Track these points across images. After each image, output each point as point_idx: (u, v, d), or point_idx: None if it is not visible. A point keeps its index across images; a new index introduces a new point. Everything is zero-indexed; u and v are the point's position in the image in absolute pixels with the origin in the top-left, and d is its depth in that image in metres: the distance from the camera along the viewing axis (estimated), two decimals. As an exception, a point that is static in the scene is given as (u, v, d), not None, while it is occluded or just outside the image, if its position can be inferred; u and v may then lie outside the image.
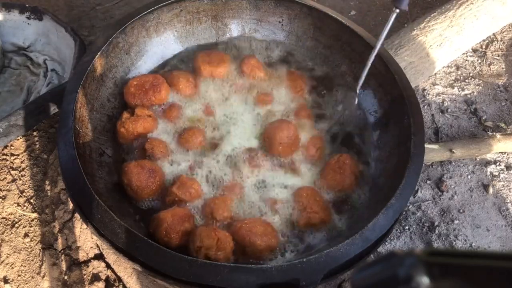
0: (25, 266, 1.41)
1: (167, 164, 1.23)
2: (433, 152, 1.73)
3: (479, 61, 2.20)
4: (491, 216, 1.69)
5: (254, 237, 1.04)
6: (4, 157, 1.61)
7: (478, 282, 0.36)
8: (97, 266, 1.40)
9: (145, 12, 1.36)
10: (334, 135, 1.35)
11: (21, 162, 1.61)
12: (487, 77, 2.14)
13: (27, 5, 1.81)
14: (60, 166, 1.05)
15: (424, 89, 2.06)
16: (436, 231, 1.63)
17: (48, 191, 1.56)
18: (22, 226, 1.49)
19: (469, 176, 1.79)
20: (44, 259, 1.43)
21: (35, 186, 1.57)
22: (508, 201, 1.74)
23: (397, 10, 1.18)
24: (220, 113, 1.35)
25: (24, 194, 1.55)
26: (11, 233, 1.47)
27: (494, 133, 1.86)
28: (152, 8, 1.37)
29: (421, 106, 1.97)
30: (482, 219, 1.68)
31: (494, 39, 2.29)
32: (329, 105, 1.41)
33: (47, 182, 1.57)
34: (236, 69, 1.45)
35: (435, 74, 2.10)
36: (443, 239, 1.62)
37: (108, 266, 1.41)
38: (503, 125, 1.97)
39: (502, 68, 2.18)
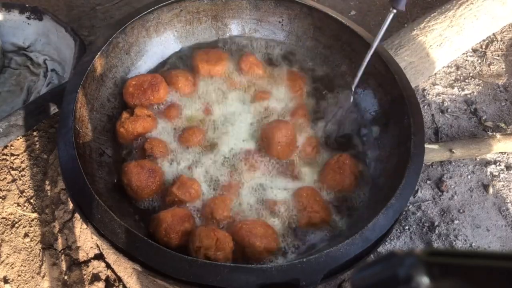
0: (25, 266, 1.41)
1: (167, 164, 1.23)
2: (433, 152, 1.73)
3: (479, 61, 2.20)
4: (491, 216, 1.69)
5: (253, 238, 1.04)
6: (4, 157, 1.61)
7: (478, 282, 0.36)
8: (97, 266, 1.40)
9: (145, 12, 1.36)
10: (333, 135, 1.34)
11: (21, 162, 1.61)
12: (487, 77, 2.14)
13: (27, 5, 1.81)
14: (60, 166, 1.05)
15: (424, 89, 2.06)
16: (436, 231, 1.63)
17: (48, 191, 1.56)
18: (22, 226, 1.49)
19: (469, 176, 1.79)
20: (44, 259, 1.43)
21: (35, 186, 1.57)
22: (508, 201, 1.74)
23: (394, 11, 1.18)
24: (218, 112, 1.35)
25: (24, 194, 1.55)
26: (11, 233, 1.47)
27: (494, 133, 1.86)
28: (152, 8, 1.37)
29: (421, 106, 1.97)
30: (482, 219, 1.68)
31: (494, 39, 2.29)
32: (328, 104, 1.41)
33: (47, 182, 1.57)
34: (235, 67, 1.45)
35: (435, 74, 2.10)
36: (443, 239, 1.62)
37: (108, 266, 1.41)
38: (503, 125, 1.97)
39: (502, 68, 2.18)
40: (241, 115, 1.35)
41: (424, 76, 1.93)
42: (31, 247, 1.45)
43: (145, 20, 1.39)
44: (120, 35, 1.32)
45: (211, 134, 1.30)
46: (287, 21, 1.53)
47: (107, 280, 1.39)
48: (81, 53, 1.61)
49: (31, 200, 1.54)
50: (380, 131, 1.32)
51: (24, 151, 1.63)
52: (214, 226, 1.10)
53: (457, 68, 2.16)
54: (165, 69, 1.47)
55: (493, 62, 2.20)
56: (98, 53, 1.24)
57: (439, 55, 1.85)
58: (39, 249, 1.44)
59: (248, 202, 1.17)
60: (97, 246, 1.44)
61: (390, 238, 1.60)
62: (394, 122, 1.27)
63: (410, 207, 1.69)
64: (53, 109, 1.56)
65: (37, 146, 1.65)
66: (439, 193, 1.74)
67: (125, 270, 1.33)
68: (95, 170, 1.16)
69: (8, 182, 1.56)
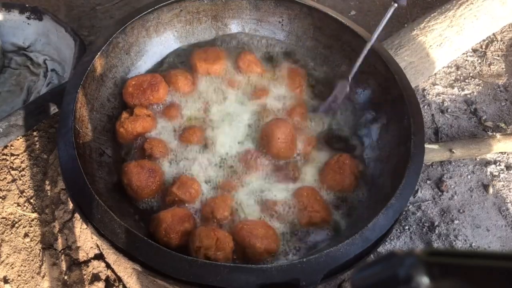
0: (25, 266, 1.41)
1: (167, 163, 1.23)
2: (433, 152, 1.73)
3: (479, 61, 2.20)
4: (491, 216, 1.69)
5: (254, 239, 1.04)
6: (4, 157, 1.61)
7: (478, 282, 0.36)
8: (97, 266, 1.40)
9: (145, 12, 1.36)
10: (333, 134, 1.35)
11: (21, 162, 1.61)
12: (487, 77, 2.14)
13: (27, 5, 1.81)
14: (60, 166, 1.05)
15: (424, 89, 2.06)
16: (436, 231, 1.63)
17: (48, 191, 1.56)
18: (22, 226, 1.49)
19: (469, 176, 1.79)
20: (44, 259, 1.43)
21: (35, 186, 1.57)
22: (508, 201, 1.74)
23: (396, 5, 1.18)
24: (218, 111, 1.35)
25: (24, 194, 1.55)
26: (11, 233, 1.47)
27: (494, 133, 1.86)
28: (152, 8, 1.37)
29: (421, 106, 1.97)
30: (482, 219, 1.68)
31: (494, 39, 2.29)
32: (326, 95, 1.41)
33: (47, 182, 1.57)
34: (233, 65, 1.45)
35: (435, 74, 2.10)
36: (443, 239, 1.62)
37: (108, 266, 1.41)
38: (503, 125, 1.97)
39: (502, 68, 2.18)
40: (240, 113, 1.35)
41: (424, 76, 1.93)
42: (31, 247, 1.45)
43: (145, 20, 1.39)
44: (120, 35, 1.32)
45: (210, 134, 1.30)
46: (287, 21, 1.53)
47: (107, 280, 1.39)
48: (81, 53, 1.61)
49: (31, 200, 1.54)
50: (380, 131, 1.32)
51: (24, 151, 1.63)
52: (215, 226, 1.10)
53: (457, 68, 2.16)
54: (164, 68, 1.47)
55: (493, 62, 2.20)
56: (98, 53, 1.24)
57: (439, 55, 1.85)
58: (39, 249, 1.44)
59: (248, 202, 1.17)
60: (97, 246, 1.44)
61: (390, 238, 1.60)
62: (394, 122, 1.27)
63: (410, 207, 1.69)
64: (53, 109, 1.56)
65: (37, 146, 1.65)
66: (439, 193, 1.74)
67: (125, 270, 1.33)
68: (95, 170, 1.16)
69: (8, 182, 1.56)
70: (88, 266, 1.40)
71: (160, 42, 1.47)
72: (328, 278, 0.93)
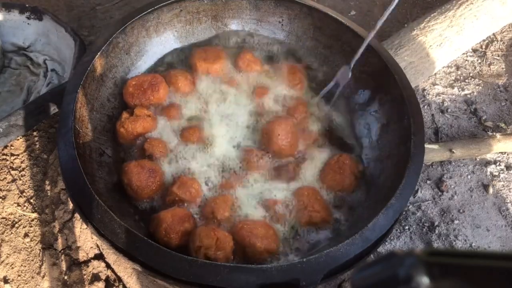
0: (25, 266, 1.42)
1: (167, 163, 1.23)
2: (433, 152, 1.73)
3: (479, 61, 2.20)
4: (491, 216, 1.69)
5: (254, 238, 1.04)
6: (4, 157, 1.61)
7: (478, 282, 0.36)
8: (97, 266, 1.40)
9: (145, 12, 1.36)
10: (333, 134, 1.35)
11: (21, 162, 1.61)
12: (487, 77, 2.14)
13: (27, 5, 1.81)
14: (60, 166, 1.05)
15: (424, 89, 2.06)
16: (436, 231, 1.63)
17: (48, 191, 1.56)
18: (22, 226, 1.49)
19: (469, 176, 1.79)
20: (44, 259, 1.43)
21: (35, 186, 1.57)
22: (508, 201, 1.74)
23: None
24: (218, 110, 1.35)
25: (24, 194, 1.55)
26: (11, 233, 1.47)
27: (494, 133, 1.86)
28: (152, 8, 1.37)
29: (421, 106, 1.97)
30: (482, 219, 1.68)
31: (494, 39, 2.29)
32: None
33: (47, 182, 1.57)
34: (233, 64, 1.45)
35: (435, 74, 2.10)
36: (443, 239, 1.62)
37: (108, 266, 1.41)
38: (503, 125, 1.97)
39: (502, 68, 2.18)
40: (241, 113, 1.35)
41: (424, 76, 1.93)
42: (31, 247, 1.45)
43: (145, 20, 1.39)
44: (120, 35, 1.32)
45: (211, 133, 1.30)
46: (287, 21, 1.53)
47: (107, 280, 1.39)
48: (81, 53, 1.61)
49: (31, 200, 1.54)
50: (380, 131, 1.32)
51: (24, 151, 1.63)
52: (215, 226, 1.10)
53: (457, 68, 2.16)
54: (164, 68, 1.47)
55: (493, 62, 2.20)
56: (98, 53, 1.24)
57: (439, 55, 1.85)
58: (39, 249, 1.44)
59: (248, 201, 1.17)
60: (97, 246, 1.44)
61: (390, 238, 1.60)
62: (394, 122, 1.27)
63: (410, 207, 1.69)
64: (53, 109, 1.56)
65: (37, 146, 1.65)
66: (439, 193, 1.74)
67: (125, 270, 1.33)
68: (95, 170, 1.16)
69: (8, 182, 1.56)
70: (88, 266, 1.40)
71: (160, 42, 1.47)
72: (328, 278, 0.93)
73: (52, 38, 1.83)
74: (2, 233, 1.47)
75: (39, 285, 1.39)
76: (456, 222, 1.66)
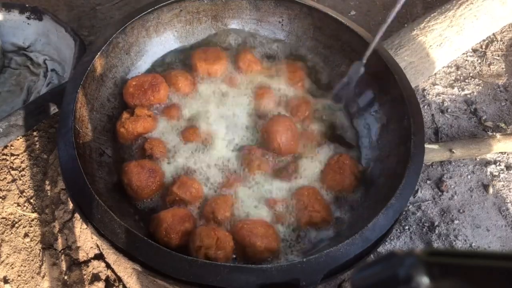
0: (25, 266, 1.42)
1: (167, 163, 1.23)
2: (433, 152, 1.73)
3: (479, 61, 2.20)
4: (491, 216, 1.69)
5: (254, 238, 1.04)
6: (4, 157, 1.61)
7: (478, 282, 0.36)
8: (97, 266, 1.40)
9: (145, 12, 1.36)
10: (333, 134, 1.35)
11: (21, 162, 1.61)
12: (487, 77, 2.14)
13: (27, 5, 1.81)
14: (60, 166, 1.05)
15: (424, 89, 2.06)
16: (436, 231, 1.63)
17: (48, 191, 1.56)
18: (22, 226, 1.49)
19: (469, 176, 1.79)
20: (44, 259, 1.43)
21: (35, 186, 1.57)
22: (508, 201, 1.74)
23: None
24: (218, 111, 1.35)
25: (24, 194, 1.55)
26: (11, 233, 1.47)
27: (494, 133, 1.86)
28: (152, 8, 1.37)
29: (421, 106, 1.97)
30: (482, 219, 1.68)
31: (494, 39, 2.29)
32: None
33: (47, 182, 1.57)
34: (233, 65, 1.45)
35: (435, 74, 2.10)
36: (443, 239, 1.62)
37: (108, 266, 1.41)
38: (503, 125, 1.97)
39: (502, 68, 2.18)
40: (241, 113, 1.35)
41: (424, 76, 1.93)
42: (31, 247, 1.45)
43: (145, 20, 1.39)
44: (120, 35, 1.32)
45: (211, 133, 1.30)
46: (287, 21, 1.53)
47: (107, 280, 1.39)
48: (81, 53, 1.61)
49: (31, 200, 1.54)
50: (380, 131, 1.32)
51: (24, 151, 1.63)
52: (215, 225, 1.10)
53: (457, 68, 2.16)
54: (164, 68, 1.47)
55: (493, 62, 2.20)
56: (98, 53, 1.24)
57: (439, 55, 1.85)
58: (39, 249, 1.44)
59: (248, 201, 1.17)
60: (97, 246, 1.44)
61: (390, 238, 1.60)
62: (394, 122, 1.27)
63: (410, 207, 1.69)
64: (53, 109, 1.56)
65: (37, 146, 1.65)
66: (439, 193, 1.74)
67: (125, 270, 1.33)
68: (95, 170, 1.16)
69: (8, 182, 1.56)
70: (88, 266, 1.40)
71: (160, 42, 1.47)
72: (328, 278, 0.93)
73: (52, 38, 1.83)
74: (2, 233, 1.47)
75: (39, 285, 1.39)
76: (456, 222, 1.66)
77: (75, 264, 1.41)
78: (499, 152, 1.85)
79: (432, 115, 1.98)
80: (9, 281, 1.39)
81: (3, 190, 1.55)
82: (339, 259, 0.92)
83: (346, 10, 2.40)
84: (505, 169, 1.82)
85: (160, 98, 1.32)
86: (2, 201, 1.52)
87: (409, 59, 1.77)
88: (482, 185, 1.77)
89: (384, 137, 1.30)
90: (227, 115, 1.34)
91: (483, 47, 2.26)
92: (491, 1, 1.94)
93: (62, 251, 1.43)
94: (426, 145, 1.66)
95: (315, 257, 0.91)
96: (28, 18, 1.82)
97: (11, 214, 1.51)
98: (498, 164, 1.83)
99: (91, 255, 1.42)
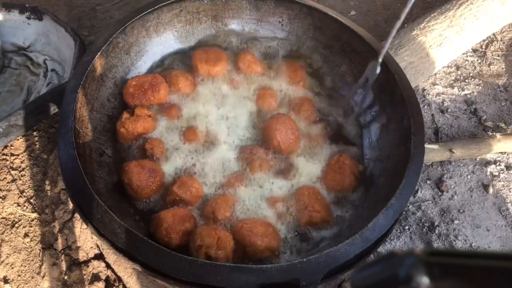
0: (25, 266, 1.42)
1: (167, 163, 1.23)
2: (433, 152, 1.73)
3: (479, 61, 2.20)
4: (491, 216, 1.69)
5: (254, 237, 1.04)
6: (4, 157, 1.61)
7: (478, 282, 0.36)
8: (97, 266, 1.40)
9: (145, 12, 1.36)
10: (333, 134, 1.35)
11: (21, 162, 1.61)
12: (487, 77, 2.14)
13: (27, 5, 1.81)
14: (60, 166, 1.05)
15: (424, 89, 2.06)
16: (436, 231, 1.63)
17: (48, 191, 1.56)
18: (22, 226, 1.49)
19: (469, 176, 1.79)
20: (44, 259, 1.43)
21: (35, 186, 1.57)
22: (508, 201, 1.74)
23: None
24: (219, 111, 1.35)
25: (24, 194, 1.55)
26: (11, 233, 1.47)
27: (494, 133, 1.86)
28: (152, 8, 1.37)
29: (421, 106, 1.97)
30: (482, 219, 1.68)
31: (494, 39, 2.29)
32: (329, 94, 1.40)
33: (47, 182, 1.57)
34: (234, 66, 1.45)
35: (435, 74, 2.10)
36: (443, 239, 1.62)
37: (108, 266, 1.41)
38: (503, 125, 1.97)
39: (502, 68, 2.18)
40: (241, 113, 1.35)
41: (424, 76, 1.93)
42: (31, 247, 1.45)
43: (145, 20, 1.39)
44: (120, 35, 1.32)
45: (211, 133, 1.30)
46: (287, 21, 1.53)
47: (107, 280, 1.39)
48: (81, 53, 1.61)
49: (31, 200, 1.54)
50: (380, 131, 1.32)
51: (24, 151, 1.63)
52: (215, 225, 1.10)
53: (457, 68, 2.16)
54: (164, 68, 1.47)
55: (493, 62, 2.20)
56: (98, 53, 1.24)
57: (439, 55, 1.85)
58: (39, 249, 1.44)
59: (248, 201, 1.17)
60: (97, 246, 1.44)
61: (390, 238, 1.60)
62: (394, 122, 1.27)
63: (410, 207, 1.69)
64: (53, 109, 1.56)
65: (37, 146, 1.65)
66: (439, 193, 1.74)
67: (125, 270, 1.33)
68: (95, 170, 1.16)
69: (8, 182, 1.56)
70: (88, 266, 1.40)
71: (160, 42, 1.47)
72: (328, 278, 0.93)
73: (52, 38, 1.83)
74: (2, 233, 1.47)
75: (39, 285, 1.39)
76: (456, 222, 1.66)
77: (75, 264, 1.41)
78: (499, 152, 1.85)
79: (432, 115, 1.98)
80: (9, 281, 1.39)
81: (3, 190, 1.55)
82: (339, 259, 0.92)
83: (346, 10, 2.40)
84: (505, 169, 1.82)
85: (160, 98, 1.32)
86: (2, 201, 1.52)
87: (409, 59, 1.77)
88: (482, 185, 1.77)
89: (384, 137, 1.30)
90: (228, 115, 1.34)
91: (483, 47, 2.26)
92: (491, 1, 1.94)
93: (62, 251, 1.43)
94: (426, 145, 1.66)
95: (315, 257, 0.91)
96: (28, 18, 1.82)
97: (11, 214, 1.51)
98: (498, 164, 1.83)
99: (91, 255, 1.42)
